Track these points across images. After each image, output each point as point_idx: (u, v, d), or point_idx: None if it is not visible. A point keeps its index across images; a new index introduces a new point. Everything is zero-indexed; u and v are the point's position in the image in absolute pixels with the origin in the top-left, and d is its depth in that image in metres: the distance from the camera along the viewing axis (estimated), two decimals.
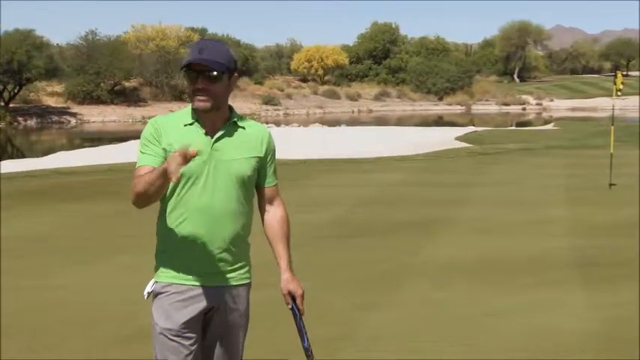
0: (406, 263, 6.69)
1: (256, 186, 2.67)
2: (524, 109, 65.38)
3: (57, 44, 60.66)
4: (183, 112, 2.59)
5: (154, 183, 2.36)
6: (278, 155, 2.77)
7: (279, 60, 79.30)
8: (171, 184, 2.49)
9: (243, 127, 2.60)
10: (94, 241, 7.86)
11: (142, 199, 2.43)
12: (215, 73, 2.46)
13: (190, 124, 2.54)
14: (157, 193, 2.40)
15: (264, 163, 2.64)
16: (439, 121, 48.52)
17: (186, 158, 2.23)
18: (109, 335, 4.70)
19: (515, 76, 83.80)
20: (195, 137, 2.51)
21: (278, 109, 56.92)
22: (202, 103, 2.48)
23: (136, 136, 29.09)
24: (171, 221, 2.53)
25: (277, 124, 40.94)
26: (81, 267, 6.64)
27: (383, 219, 9.08)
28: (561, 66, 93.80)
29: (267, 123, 39.89)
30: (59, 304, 5.44)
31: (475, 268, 6.44)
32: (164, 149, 2.49)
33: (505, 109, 64.67)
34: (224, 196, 2.52)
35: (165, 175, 2.29)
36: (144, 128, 2.59)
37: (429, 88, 68.19)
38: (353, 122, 44.02)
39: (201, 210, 2.51)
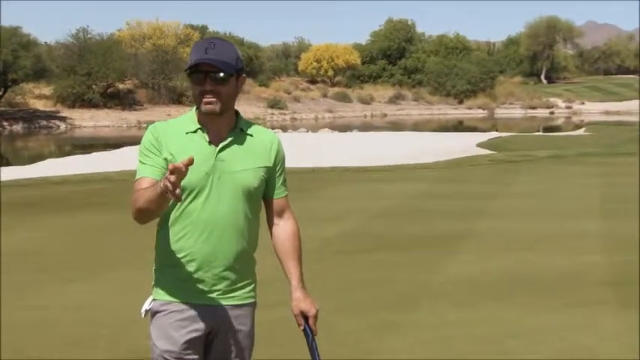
0: (424, 281, 6.67)
1: (264, 198, 2.67)
2: (552, 112, 65.28)
3: (45, 43, 61.14)
4: (185, 118, 2.60)
5: (153, 201, 2.37)
6: (285, 163, 2.77)
7: (286, 60, 79.58)
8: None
9: (251, 135, 2.61)
10: (85, 257, 7.88)
11: (143, 216, 2.45)
12: (222, 74, 2.47)
13: (193, 132, 2.54)
14: (158, 209, 2.41)
15: (273, 173, 2.65)
16: (459, 127, 48.48)
17: (182, 172, 2.21)
18: (99, 357, 4.70)
19: (542, 77, 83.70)
20: (198, 146, 2.51)
21: (284, 114, 57.07)
22: (211, 106, 2.48)
23: (130, 142, 29.27)
24: (172, 235, 2.54)
25: (284, 129, 41.03)
26: (70, 285, 6.66)
27: (399, 233, 9.06)
28: (593, 66, 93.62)
29: (272, 128, 39.90)
30: (45, 324, 5.46)
31: (500, 287, 6.41)
32: (165, 159, 2.49)
33: (531, 113, 64.59)
34: (229, 209, 2.53)
35: (164, 194, 2.29)
36: (142, 135, 2.60)
37: (448, 90, 68.19)
38: (366, 127, 44.06)
39: (204, 224, 2.51)
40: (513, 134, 35.23)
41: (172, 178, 2.20)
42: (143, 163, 2.53)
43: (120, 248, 8.20)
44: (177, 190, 2.21)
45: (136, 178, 2.52)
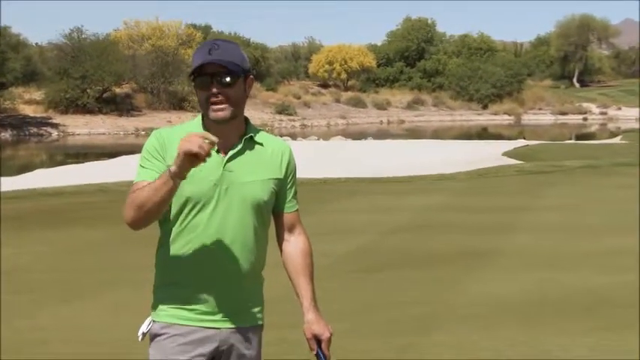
0: (445, 302, 6.66)
1: (273, 212, 2.69)
2: (585, 119, 65.10)
3: (36, 44, 61.78)
4: (190, 124, 2.62)
5: (158, 190, 2.35)
6: None
7: (296, 62, 79.80)
8: (174, 209, 2.52)
9: (261, 144, 2.63)
10: (80, 275, 7.92)
11: (139, 215, 2.41)
12: (229, 78, 2.49)
13: None
14: (159, 205, 2.39)
15: (284, 185, 2.67)
16: (483, 134, 48.39)
17: (205, 150, 2.26)
18: None
19: (574, 80, 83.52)
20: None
21: (294, 120, 57.18)
22: (221, 112, 2.50)
23: (128, 150, 29.40)
24: (174, 252, 2.55)
25: (293, 136, 41.09)
26: (64, 305, 6.69)
27: (418, 250, 9.06)
28: (631, 68, 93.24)
29: (281, 135, 39.96)
30: (36, 347, 5.48)
31: (527, 309, 6.40)
32: (169, 167, 2.48)
33: (562, 119, 64.42)
34: (236, 224, 2.55)
35: (173, 179, 2.30)
36: (140, 143, 2.63)
37: (472, 94, 68.14)
38: (381, 135, 44.07)
39: (210, 240, 2.53)
40: (542, 143, 35.13)
41: (200, 139, 2.26)
42: (144, 167, 2.53)
43: (117, 266, 8.23)
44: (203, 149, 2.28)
45: (135, 180, 2.51)
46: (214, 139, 2.30)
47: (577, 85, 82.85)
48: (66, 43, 52.29)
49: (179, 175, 2.33)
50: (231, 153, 2.55)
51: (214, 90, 2.48)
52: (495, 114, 65.72)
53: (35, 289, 7.25)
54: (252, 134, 2.61)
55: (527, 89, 70.66)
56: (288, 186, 2.68)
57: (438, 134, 46.63)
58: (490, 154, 26.78)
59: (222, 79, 2.48)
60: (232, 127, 2.56)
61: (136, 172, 2.55)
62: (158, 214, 2.47)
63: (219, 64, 2.47)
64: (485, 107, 67.66)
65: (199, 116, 2.61)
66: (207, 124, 2.56)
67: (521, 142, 33.99)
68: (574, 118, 64.72)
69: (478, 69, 69.00)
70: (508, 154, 27.09)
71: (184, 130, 2.59)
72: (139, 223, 2.45)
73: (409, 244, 9.46)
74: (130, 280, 7.37)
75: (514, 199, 13.83)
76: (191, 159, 2.29)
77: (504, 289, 7.05)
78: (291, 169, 2.68)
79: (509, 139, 39.70)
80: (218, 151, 2.54)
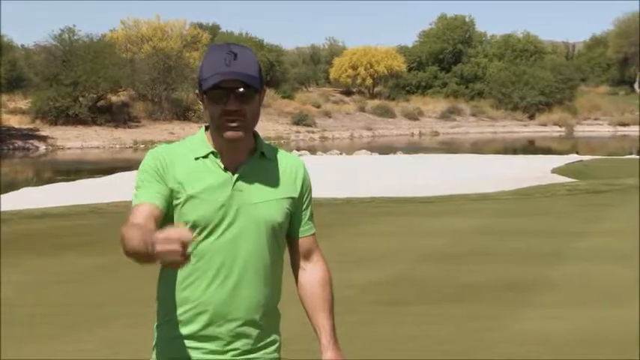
0: (483, 341, 6.63)
1: (288, 236, 2.71)
2: None
3: (22, 46, 62.36)
4: (192, 140, 2.65)
5: (135, 254, 2.27)
6: (313, 192, 2.82)
7: (315, 66, 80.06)
8: None
9: (273, 159, 2.66)
10: (69, 308, 7.95)
11: (129, 258, 2.40)
12: (247, 93, 2.51)
13: (204, 157, 2.58)
14: (142, 261, 2.32)
15: (299, 206, 2.69)
16: (529, 148, 48.19)
17: (184, 247, 2.16)
18: None
19: (636, 85, 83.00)
20: (212, 174, 2.56)
21: (312, 132, 57.29)
22: (236, 132, 2.52)
23: (125, 166, 29.53)
24: (179, 282, 2.58)
25: (312, 150, 41.18)
26: (51, 342, 6.72)
27: (453, 281, 9.03)
28: None
29: (298, 150, 40.16)
30: None
31: (582, 350, 6.36)
32: (176, 192, 2.53)
33: (621, 130, 63.98)
34: (248, 250, 2.57)
35: (152, 258, 2.21)
36: (139, 158, 2.66)
37: (516, 102, 67.93)
38: (412, 148, 44.03)
39: (219, 267, 2.55)
40: (598, 158, 34.93)
41: (176, 245, 2.13)
42: (140, 187, 2.55)
43: (113, 298, 8.27)
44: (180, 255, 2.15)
45: (133, 204, 2.53)
46: (190, 239, 2.19)
47: (638, 91, 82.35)
48: (55, 45, 52.68)
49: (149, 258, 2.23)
50: (240, 171, 2.58)
51: (232, 106, 2.50)
52: (543, 125, 65.41)
53: (20, 325, 7.29)
54: (262, 150, 2.64)
55: (581, 96, 70.31)
56: (304, 206, 2.71)
57: (477, 148, 46.48)
58: (537, 170, 26.66)
59: (242, 95, 2.50)
60: (241, 143, 2.59)
61: (133, 195, 2.57)
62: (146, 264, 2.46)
63: (240, 79, 2.48)
64: (531, 117, 67.36)
65: (201, 130, 2.64)
66: (215, 140, 2.59)
67: (573, 158, 33.82)
68: (635, 130, 64.24)
69: (524, 74, 68.78)
70: (558, 170, 26.95)
71: (185, 145, 2.63)
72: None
73: (443, 273, 9.43)
74: (128, 314, 7.41)
75: (565, 222, 13.75)
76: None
77: (553, 328, 7.01)
78: (306, 187, 2.70)
79: (560, 153, 39.50)
80: (226, 169, 2.57)
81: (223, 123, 2.52)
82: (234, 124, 2.51)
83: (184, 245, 2.15)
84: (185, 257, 2.16)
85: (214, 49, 2.57)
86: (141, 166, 2.59)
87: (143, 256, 2.24)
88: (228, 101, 2.50)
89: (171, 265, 2.19)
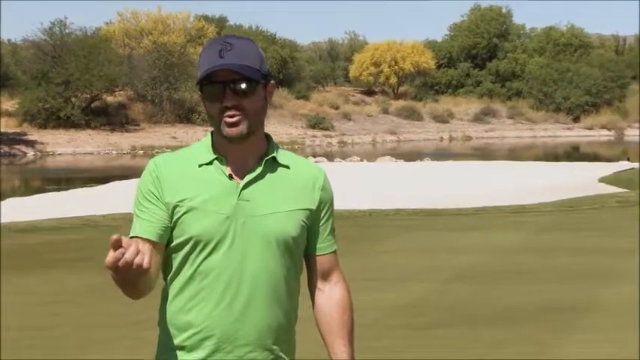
0: None
1: (305, 253, 2.70)
2: None
3: (9, 41, 62.78)
4: (198, 146, 2.65)
5: (123, 287, 2.40)
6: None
7: (333, 63, 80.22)
8: (179, 251, 2.55)
9: (287, 166, 2.64)
10: (61, 332, 7.97)
11: (126, 293, 2.48)
12: (245, 86, 2.51)
13: (208, 164, 2.58)
14: (137, 291, 2.46)
15: (317, 220, 2.68)
16: (574, 154, 48.04)
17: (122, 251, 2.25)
18: None
19: None
20: (215, 182, 2.55)
21: (330, 136, 57.38)
22: (237, 128, 2.52)
23: (121, 174, 29.57)
24: (182, 304, 2.57)
25: (329, 157, 41.22)
26: None
27: (489, 303, 9.00)
28: None
29: (314, 156, 40.20)
30: None
31: None
32: (175, 206, 2.54)
33: None
34: (258, 268, 2.56)
35: (128, 280, 2.34)
36: (137, 166, 2.67)
37: (559, 103, 67.81)
38: (442, 155, 44.00)
39: (226, 287, 2.55)
40: None
41: (111, 255, 2.24)
42: (138, 216, 2.59)
43: (108, 321, 8.27)
44: (140, 261, 2.26)
45: (129, 235, 2.55)
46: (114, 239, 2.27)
47: None
48: (45, 39, 53.08)
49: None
50: (248, 178, 2.57)
51: (228, 102, 2.51)
52: (590, 128, 65.26)
53: (4, 350, 7.31)
54: (274, 155, 2.63)
55: (632, 96, 70.01)
56: (323, 220, 2.69)
57: (514, 154, 46.38)
58: (583, 179, 26.57)
59: (238, 88, 2.51)
60: (250, 146, 2.58)
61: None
62: (147, 290, 2.51)
63: (233, 70, 2.50)
64: (576, 120, 67.21)
65: (208, 136, 2.64)
66: (219, 144, 2.59)
67: (623, 165, 33.69)
68: None
69: (567, 71, 68.67)
70: (607, 179, 26.85)
71: (190, 152, 2.64)
72: (131, 297, 2.51)
73: (478, 294, 9.40)
74: (126, 339, 7.41)
75: (614, 237, 13.69)
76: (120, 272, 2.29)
77: (603, 354, 6.96)
78: (326, 199, 2.68)
79: (608, 160, 39.35)
80: (231, 177, 2.56)
81: (221, 121, 2.52)
82: (232, 120, 2.51)
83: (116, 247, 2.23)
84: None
85: (210, 42, 2.60)
86: (138, 184, 2.63)
87: (121, 285, 2.37)
88: (225, 96, 2.51)
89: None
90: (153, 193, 2.56)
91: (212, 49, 2.54)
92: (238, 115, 2.51)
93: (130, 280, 2.34)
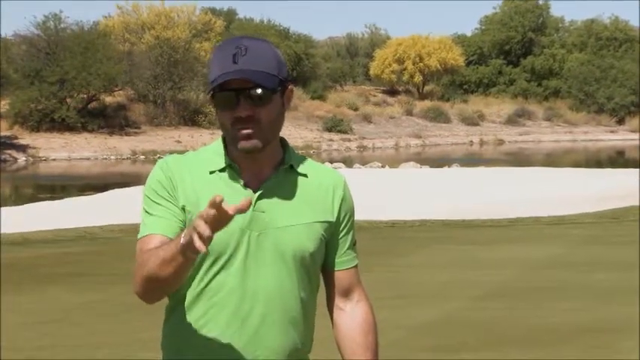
0: None
1: (323, 269, 2.71)
2: None
3: None
4: (209, 150, 2.67)
5: (171, 261, 2.37)
6: None
7: (352, 60, 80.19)
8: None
9: (305, 175, 2.67)
10: (53, 353, 8.01)
11: (152, 288, 2.47)
12: (261, 93, 2.51)
13: (220, 171, 2.60)
14: (176, 277, 2.42)
15: (337, 232, 2.69)
16: (618, 160, 47.82)
17: (223, 215, 2.24)
18: None
19: None
20: (229, 191, 2.54)
21: (349, 140, 57.31)
22: (251, 141, 2.52)
23: (121, 181, 29.51)
24: (188, 326, 2.58)
25: (348, 163, 41.17)
26: None
27: (522, 321, 9.00)
28: None
29: (331, 162, 40.16)
30: None
31: None
32: (183, 209, 2.55)
33: None
34: (272, 284, 2.57)
35: (183, 253, 2.31)
36: (141, 172, 2.70)
37: (601, 104, 67.57)
38: (471, 160, 43.89)
39: (237, 305, 2.56)
40: None
41: (203, 227, 2.22)
42: (150, 213, 2.57)
43: (108, 342, 8.31)
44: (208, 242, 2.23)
45: (140, 235, 2.56)
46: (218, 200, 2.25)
47: None
48: (38, 34, 53.08)
49: (189, 248, 2.30)
50: (263, 188, 2.58)
51: (242, 112, 2.51)
52: (635, 131, 64.93)
53: None
54: (291, 162, 2.65)
55: None
56: (343, 233, 2.70)
57: (552, 160, 46.24)
58: (627, 188, 26.45)
59: (253, 96, 2.51)
60: (265, 154, 2.59)
61: (141, 221, 2.59)
62: (173, 288, 2.51)
63: (248, 78, 2.49)
64: (620, 122, 66.97)
65: (219, 140, 2.65)
66: (232, 152, 2.60)
67: None
68: None
69: (611, 68, 68.42)
70: None
71: (200, 156, 2.65)
72: (151, 298, 2.52)
73: (510, 313, 9.40)
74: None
75: None
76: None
77: None
78: (346, 209, 2.70)
79: None
80: (246, 186, 2.58)
81: (236, 132, 2.53)
82: (246, 132, 2.51)
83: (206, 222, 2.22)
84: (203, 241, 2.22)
85: (224, 43, 2.59)
86: (147, 182, 2.62)
87: (172, 258, 2.34)
88: (238, 105, 2.51)
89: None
90: (166, 190, 2.57)
91: (225, 52, 2.53)
92: (252, 128, 2.51)
93: (187, 267, 2.38)
